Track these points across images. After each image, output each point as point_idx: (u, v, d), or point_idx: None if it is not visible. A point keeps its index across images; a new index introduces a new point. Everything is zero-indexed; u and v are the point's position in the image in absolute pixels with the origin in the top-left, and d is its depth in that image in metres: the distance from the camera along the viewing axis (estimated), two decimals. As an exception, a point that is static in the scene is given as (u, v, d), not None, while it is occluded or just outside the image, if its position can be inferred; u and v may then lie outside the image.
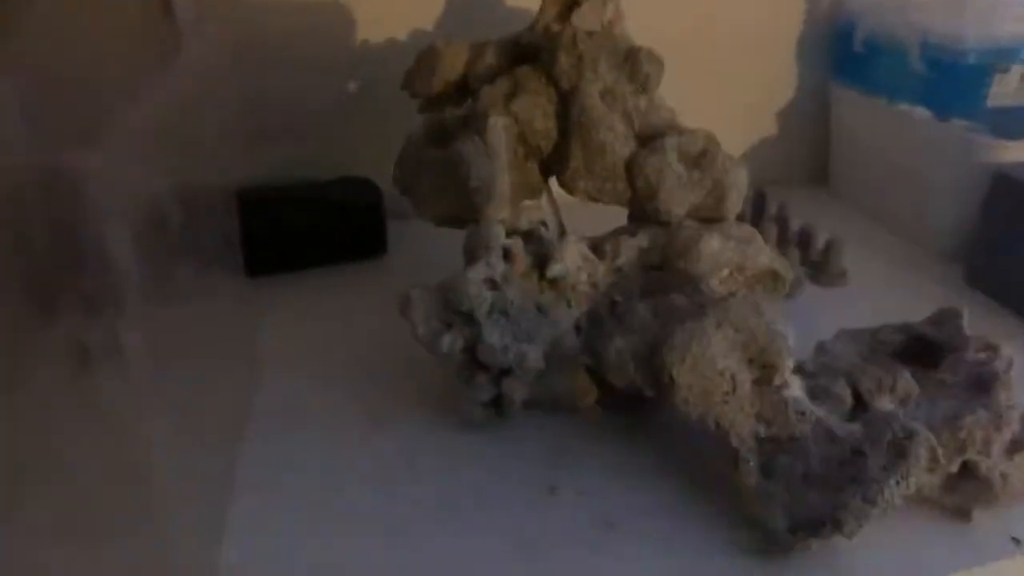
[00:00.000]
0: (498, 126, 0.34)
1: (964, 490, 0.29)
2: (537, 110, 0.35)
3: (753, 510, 0.28)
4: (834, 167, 0.58)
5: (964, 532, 0.29)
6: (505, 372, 0.31)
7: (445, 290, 0.31)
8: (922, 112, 0.49)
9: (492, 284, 0.31)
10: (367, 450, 0.32)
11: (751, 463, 0.28)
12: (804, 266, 0.48)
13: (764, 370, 0.29)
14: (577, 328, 0.33)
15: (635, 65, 0.35)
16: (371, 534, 0.28)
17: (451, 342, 0.30)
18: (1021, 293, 0.42)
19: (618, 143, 0.34)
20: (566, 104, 0.35)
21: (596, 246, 0.35)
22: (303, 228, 0.43)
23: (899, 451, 0.25)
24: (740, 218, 0.47)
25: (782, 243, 0.49)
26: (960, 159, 0.45)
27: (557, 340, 0.32)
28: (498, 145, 0.33)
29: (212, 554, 0.26)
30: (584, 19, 0.37)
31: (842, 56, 0.55)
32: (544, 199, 0.40)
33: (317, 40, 0.48)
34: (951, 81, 0.47)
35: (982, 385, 0.29)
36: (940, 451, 0.26)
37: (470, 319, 0.31)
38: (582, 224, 0.37)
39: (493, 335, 0.30)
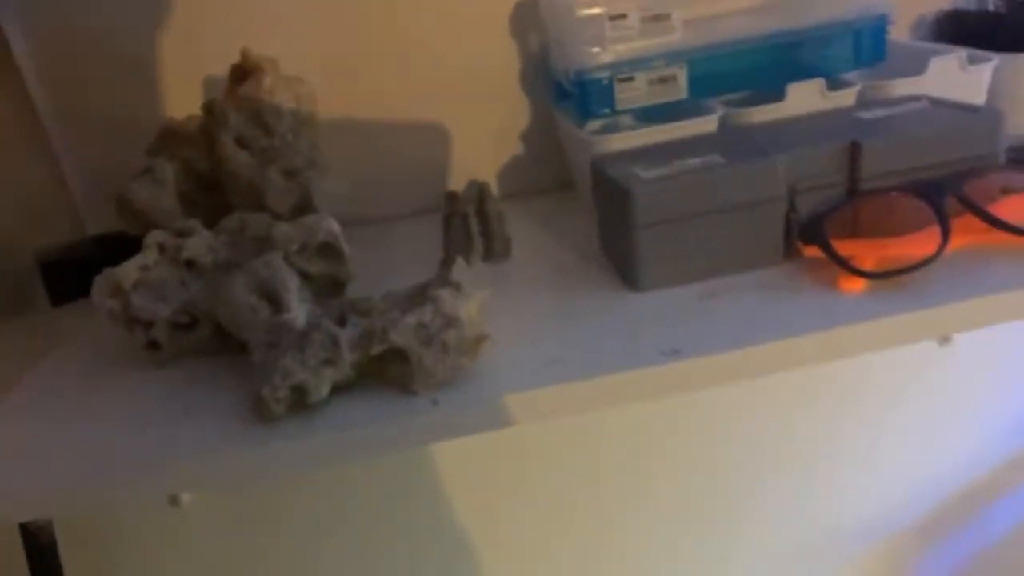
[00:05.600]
0: (163, 166, 0.53)
1: (402, 370, 0.44)
2: (198, 154, 0.54)
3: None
4: (573, 174, 0.73)
5: (406, 400, 0.44)
6: (151, 324, 0.50)
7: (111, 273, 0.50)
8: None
9: (144, 268, 0.50)
10: (85, 384, 0.51)
11: (254, 358, 0.44)
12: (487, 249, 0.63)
13: (275, 304, 0.46)
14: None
15: (259, 118, 0.54)
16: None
17: (110, 306, 0.49)
18: (615, 259, 0.56)
19: (242, 170, 0.53)
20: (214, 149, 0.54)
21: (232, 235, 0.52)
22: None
23: (301, 340, 0.42)
24: (449, 216, 0.63)
25: (470, 234, 0.65)
26: (584, 153, 0.60)
27: (190, 301, 0.50)
28: (162, 178, 0.53)
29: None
30: (248, 90, 0.56)
31: (552, 84, 0.70)
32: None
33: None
34: (587, 94, 0.62)
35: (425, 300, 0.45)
36: (344, 340, 0.42)
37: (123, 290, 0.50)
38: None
39: (137, 299, 0.49)
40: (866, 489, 0.96)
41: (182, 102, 0.67)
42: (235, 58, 0.58)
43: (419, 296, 0.46)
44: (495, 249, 0.61)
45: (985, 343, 0.90)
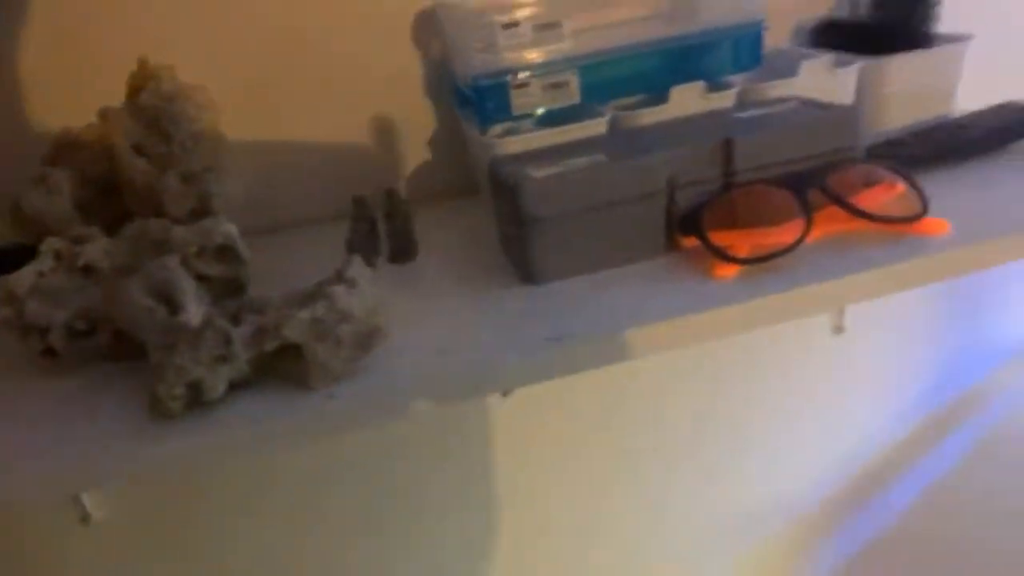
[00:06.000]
0: (58, 174, 0.53)
1: (298, 366, 0.45)
2: (89, 161, 0.55)
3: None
4: (477, 177, 0.75)
5: (302, 395, 0.45)
6: (47, 331, 0.50)
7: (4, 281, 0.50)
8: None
9: (40, 275, 0.50)
10: None
11: (152, 359, 0.45)
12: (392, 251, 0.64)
13: (172, 305, 0.47)
14: (109, 299, 0.51)
15: (157, 125, 0.54)
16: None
17: (4, 313, 0.49)
18: (511, 255, 0.58)
19: (139, 176, 0.53)
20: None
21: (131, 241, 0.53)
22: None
23: (195, 338, 0.43)
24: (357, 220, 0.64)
25: (376, 236, 0.66)
26: (484, 155, 0.62)
27: (88, 307, 0.50)
28: (58, 186, 0.53)
29: None
30: (145, 97, 0.57)
31: (455, 90, 0.72)
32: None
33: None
34: (484, 99, 0.64)
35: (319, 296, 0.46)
36: (237, 336, 0.43)
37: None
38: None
39: (32, 306, 0.49)
40: (770, 472, 1.01)
41: (82, 112, 0.67)
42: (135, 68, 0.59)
43: (315, 293, 0.47)
44: (400, 250, 0.63)
45: (876, 330, 0.95)
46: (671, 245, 0.55)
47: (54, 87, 0.66)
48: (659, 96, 0.64)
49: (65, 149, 0.58)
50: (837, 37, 0.75)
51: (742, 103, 0.63)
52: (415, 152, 0.77)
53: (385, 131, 0.75)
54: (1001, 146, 0.63)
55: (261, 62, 0.70)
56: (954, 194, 0.56)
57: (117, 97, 0.59)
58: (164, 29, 0.67)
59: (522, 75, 0.63)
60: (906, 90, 0.65)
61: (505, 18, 0.62)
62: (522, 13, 0.62)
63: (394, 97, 0.74)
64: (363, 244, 0.63)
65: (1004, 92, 0.68)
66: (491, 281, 0.56)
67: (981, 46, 0.69)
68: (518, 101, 0.64)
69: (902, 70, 0.65)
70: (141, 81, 0.57)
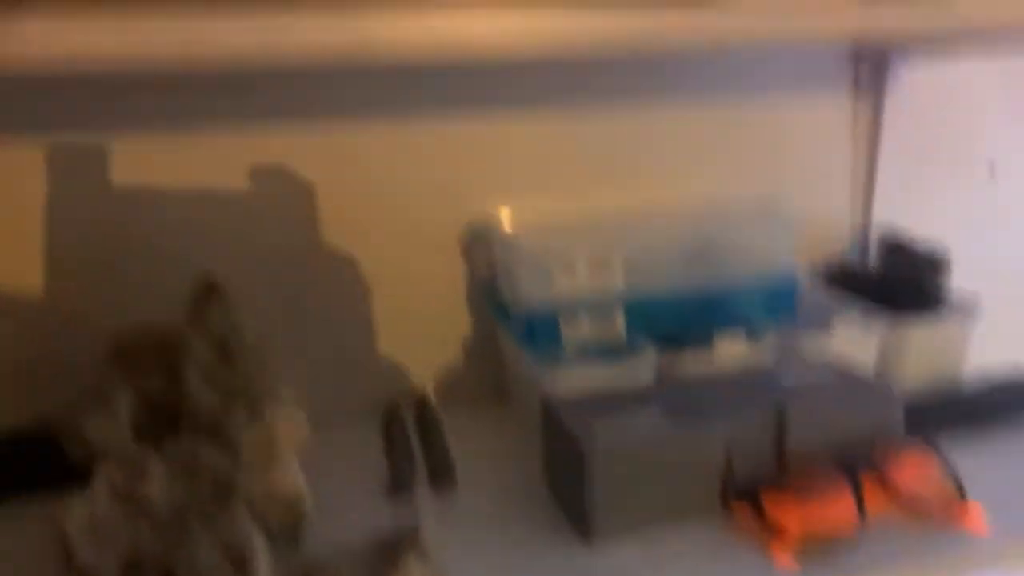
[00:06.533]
0: (118, 398, 0.52)
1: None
2: (157, 383, 0.53)
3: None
4: (510, 387, 0.76)
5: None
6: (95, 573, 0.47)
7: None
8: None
9: (93, 507, 0.48)
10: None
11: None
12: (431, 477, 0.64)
13: (240, 566, 0.45)
14: (163, 536, 0.49)
15: (224, 349, 0.54)
16: None
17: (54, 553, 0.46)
18: (564, 502, 0.58)
19: (204, 402, 0.52)
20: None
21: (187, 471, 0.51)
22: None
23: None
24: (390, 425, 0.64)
25: (412, 455, 0.65)
26: (529, 380, 0.63)
27: (140, 546, 0.48)
28: (118, 410, 0.51)
29: None
30: (215, 323, 0.56)
31: (498, 303, 0.74)
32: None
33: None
34: (535, 331, 0.65)
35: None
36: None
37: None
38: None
39: (82, 546, 0.47)
40: None
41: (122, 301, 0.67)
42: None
43: (384, 563, 0.46)
44: (439, 475, 0.63)
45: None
46: (726, 505, 0.56)
47: (97, 276, 0.66)
48: (697, 334, 0.67)
49: (124, 354, 0.56)
50: (846, 281, 0.80)
51: (781, 354, 0.66)
52: (446, 354, 0.77)
53: (418, 332, 0.76)
54: (1014, 414, 0.67)
55: (303, 250, 0.71)
56: (980, 469, 0.59)
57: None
58: (207, 236, 0.68)
59: (573, 310, 0.66)
60: (921, 353, 0.70)
61: (561, 255, 0.65)
62: (576, 251, 0.65)
63: (431, 300, 0.75)
64: (401, 465, 0.63)
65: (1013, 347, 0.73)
66: (543, 531, 0.56)
67: (988, 302, 0.74)
68: (567, 333, 0.66)
69: (919, 336, 0.69)
70: (205, 299, 0.57)
